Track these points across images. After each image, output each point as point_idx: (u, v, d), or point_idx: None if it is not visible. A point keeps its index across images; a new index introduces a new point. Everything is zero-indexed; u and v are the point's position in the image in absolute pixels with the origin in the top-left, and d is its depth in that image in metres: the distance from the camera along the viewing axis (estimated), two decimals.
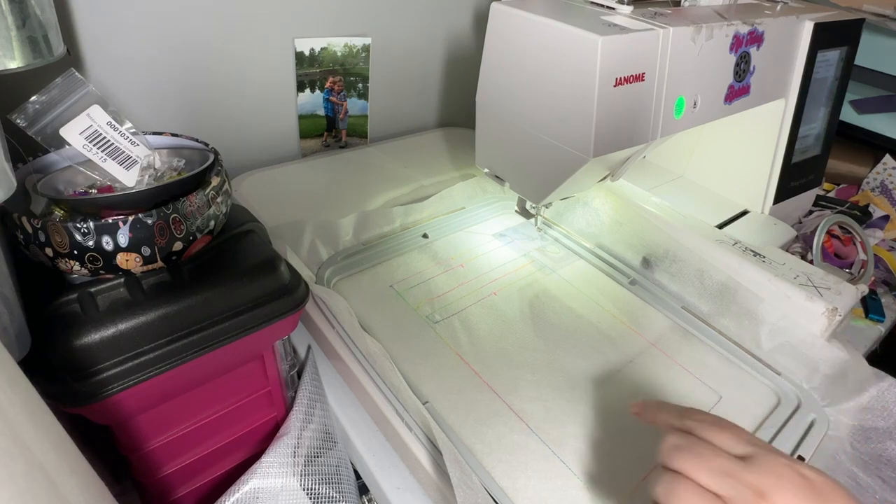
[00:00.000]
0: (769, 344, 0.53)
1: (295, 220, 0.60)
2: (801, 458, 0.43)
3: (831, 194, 0.89)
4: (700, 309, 0.57)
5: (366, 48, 0.77)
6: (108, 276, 0.36)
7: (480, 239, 0.66)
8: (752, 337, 0.53)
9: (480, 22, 0.88)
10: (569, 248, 0.66)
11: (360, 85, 0.80)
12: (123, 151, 0.38)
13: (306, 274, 0.53)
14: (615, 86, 0.46)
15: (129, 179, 0.38)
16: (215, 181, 0.40)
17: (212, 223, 0.40)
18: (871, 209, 0.83)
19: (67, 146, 0.37)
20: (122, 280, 0.37)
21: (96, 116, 0.37)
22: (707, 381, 0.50)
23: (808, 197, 0.78)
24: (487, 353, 0.50)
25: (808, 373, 0.50)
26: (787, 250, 0.68)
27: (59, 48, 0.38)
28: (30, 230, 0.34)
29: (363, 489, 0.50)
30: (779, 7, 0.65)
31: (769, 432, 0.46)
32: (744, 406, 0.49)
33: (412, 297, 0.56)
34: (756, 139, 0.70)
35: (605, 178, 0.59)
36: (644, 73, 0.48)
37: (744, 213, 0.73)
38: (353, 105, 0.81)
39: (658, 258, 0.60)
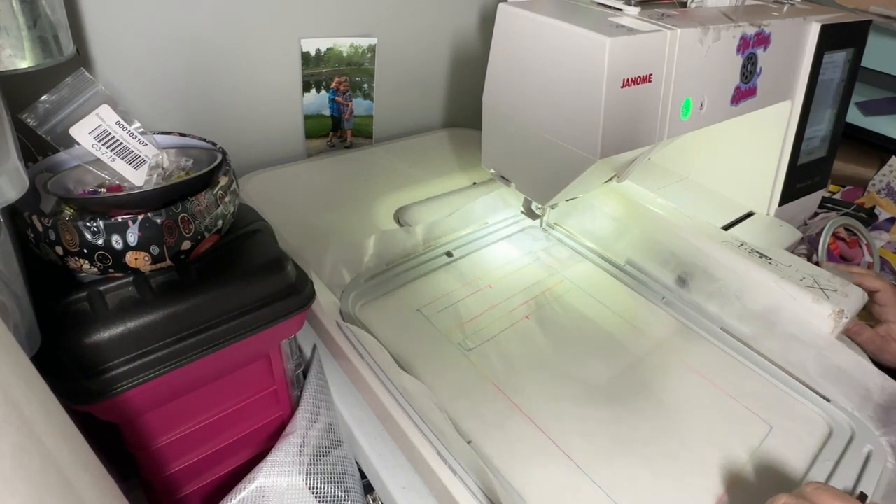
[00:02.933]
0: (815, 368, 0.50)
1: (305, 222, 0.59)
2: (863, 495, 0.41)
3: (837, 196, 0.89)
4: (741, 331, 0.55)
5: (371, 48, 0.78)
6: (117, 274, 0.36)
7: (506, 256, 0.64)
8: (799, 361, 0.51)
9: (487, 22, 0.88)
10: (574, 250, 0.66)
11: (366, 85, 0.80)
12: (132, 151, 0.38)
13: (331, 300, 0.51)
14: (622, 87, 0.46)
15: (138, 179, 0.39)
16: (223, 181, 0.40)
17: (220, 222, 0.40)
18: (876, 211, 0.83)
19: (77, 145, 0.37)
20: (131, 279, 0.37)
21: (105, 116, 0.37)
22: (756, 410, 0.48)
23: (814, 199, 0.78)
24: (526, 384, 0.48)
25: (860, 401, 0.48)
26: (792, 252, 0.67)
27: (69, 48, 0.39)
28: (40, 229, 0.34)
29: (368, 488, 0.50)
30: (785, 8, 0.65)
31: (826, 467, 0.44)
32: (796, 437, 0.47)
33: (442, 322, 0.54)
34: (762, 141, 0.70)
35: (611, 179, 0.59)
36: (651, 75, 0.48)
37: (749, 214, 0.73)
38: (359, 105, 0.82)
39: (693, 276, 0.57)
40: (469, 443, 0.42)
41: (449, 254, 0.63)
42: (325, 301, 0.50)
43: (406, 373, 0.44)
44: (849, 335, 0.55)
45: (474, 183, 0.76)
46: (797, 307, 0.52)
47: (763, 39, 0.58)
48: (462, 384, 0.47)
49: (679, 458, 0.43)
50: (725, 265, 0.56)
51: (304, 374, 0.51)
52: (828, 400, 0.49)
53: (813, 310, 0.51)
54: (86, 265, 0.35)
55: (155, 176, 0.39)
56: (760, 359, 0.53)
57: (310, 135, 0.80)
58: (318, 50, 0.74)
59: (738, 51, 0.55)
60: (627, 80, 0.46)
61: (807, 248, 0.71)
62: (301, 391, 0.49)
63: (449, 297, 0.57)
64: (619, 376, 0.50)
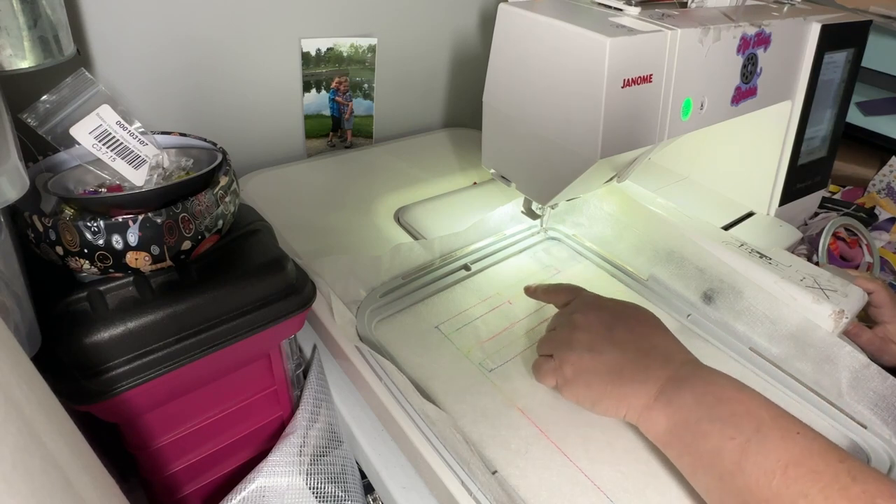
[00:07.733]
0: (850, 392, 0.47)
1: (305, 222, 0.57)
2: None
3: (837, 196, 0.89)
4: (771, 352, 0.52)
5: (372, 48, 0.78)
6: (117, 274, 0.36)
7: (526, 270, 0.62)
8: (832, 384, 0.48)
9: (487, 23, 0.88)
10: (595, 263, 0.64)
11: (366, 85, 0.80)
12: (132, 151, 0.38)
13: (348, 318, 0.50)
14: (623, 87, 0.46)
15: (139, 179, 0.39)
16: (223, 180, 0.40)
17: (220, 222, 0.40)
18: (877, 211, 0.83)
19: (77, 145, 0.37)
20: (132, 279, 0.37)
21: (106, 116, 0.37)
22: None
23: (814, 199, 0.78)
24: (550, 408, 0.45)
25: None
26: (792, 252, 0.67)
27: (69, 48, 0.39)
28: (41, 229, 0.34)
29: (368, 488, 0.50)
30: (786, 9, 0.65)
31: None
32: None
33: (461, 341, 0.51)
34: (762, 141, 0.70)
35: (611, 179, 0.59)
36: (651, 75, 0.48)
37: (749, 214, 0.73)
38: (359, 105, 0.82)
39: (720, 292, 0.55)
40: (494, 473, 0.40)
41: (466, 267, 0.60)
42: (342, 320, 0.49)
43: (428, 401, 0.42)
44: (849, 336, 0.55)
45: (475, 183, 0.76)
46: (797, 307, 0.51)
47: (763, 40, 0.58)
48: (484, 407, 0.45)
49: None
50: (755, 282, 0.54)
51: (304, 374, 0.51)
52: (864, 426, 0.46)
53: (813, 310, 0.51)
54: (86, 265, 0.35)
55: (155, 176, 0.39)
56: (792, 381, 0.50)
57: (310, 135, 0.80)
58: (318, 50, 0.74)
59: (738, 51, 0.55)
60: (628, 80, 0.46)
61: (807, 248, 0.71)
62: (301, 391, 0.49)
63: (468, 313, 0.55)
64: None
